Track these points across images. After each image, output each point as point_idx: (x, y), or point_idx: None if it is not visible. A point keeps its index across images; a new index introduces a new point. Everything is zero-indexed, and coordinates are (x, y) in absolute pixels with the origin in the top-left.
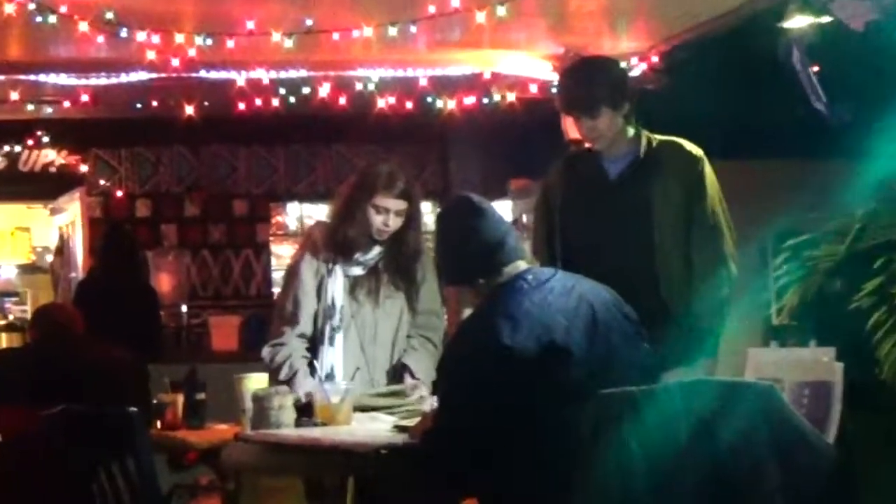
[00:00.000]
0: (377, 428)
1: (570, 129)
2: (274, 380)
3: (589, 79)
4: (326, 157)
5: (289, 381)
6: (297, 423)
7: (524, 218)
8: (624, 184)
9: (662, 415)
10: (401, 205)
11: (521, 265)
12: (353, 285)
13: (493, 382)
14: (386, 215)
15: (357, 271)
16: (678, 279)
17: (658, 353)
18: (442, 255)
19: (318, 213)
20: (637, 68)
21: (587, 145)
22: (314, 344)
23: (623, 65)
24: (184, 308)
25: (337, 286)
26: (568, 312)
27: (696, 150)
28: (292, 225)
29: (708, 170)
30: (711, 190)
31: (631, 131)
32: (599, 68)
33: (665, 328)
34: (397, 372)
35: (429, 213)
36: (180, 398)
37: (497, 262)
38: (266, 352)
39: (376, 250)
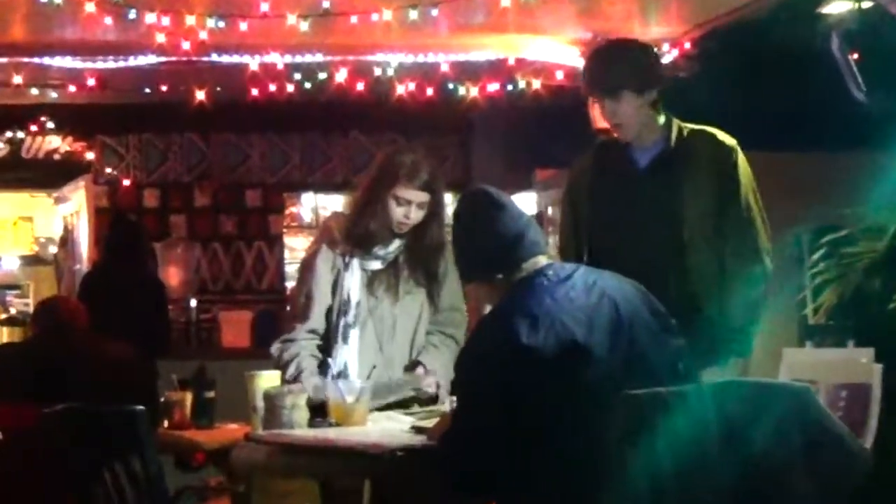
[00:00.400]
0: (394, 428)
1: (599, 117)
2: (283, 377)
3: (612, 60)
4: (343, 145)
5: (294, 381)
6: (311, 423)
7: (549, 210)
8: (653, 175)
9: (693, 417)
10: (423, 196)
11: (542, 260)
12: (371, 280)
13: (512, 383)
14: (408, 207)
15: (375, 265)
16: (709, 275)
17: (689, 352)
18: (458, 250)
19: (333, 204)
20: (668, 55)
21: (616, 135)
22: (328, 341)
23: (654, 50)
24: (193, 302)
25: (354, 281)
26: (590, 310)
27: (730, 140)
28: (307, 216)
29: (742, 160)
30: (745, 181)
31: (661, 120)
32: (625, 50)
33: (695, 326)
34: (411, 367)
35: (450, 205)
36: (189, 396)
37: (516, 257)
38: (275, 348)
39: (396, 243)
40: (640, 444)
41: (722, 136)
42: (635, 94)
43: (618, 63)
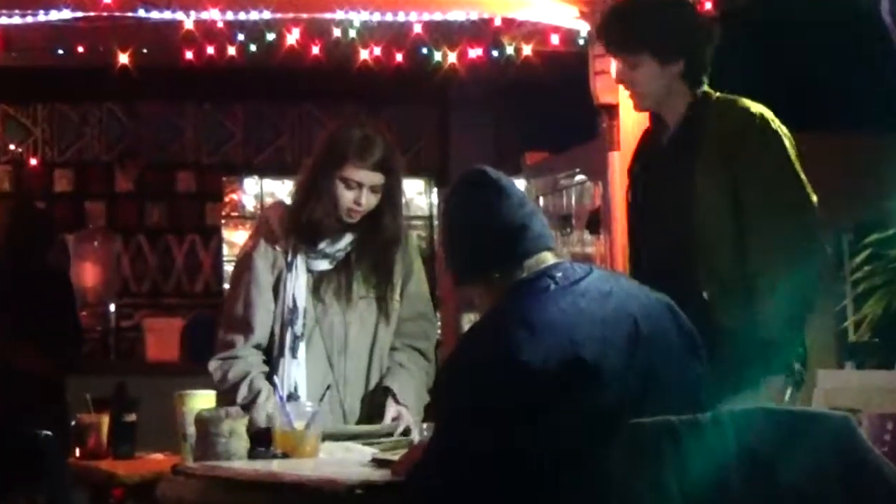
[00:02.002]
0: (352, 461)
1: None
2: (224, 400)
3: (634, 13)
4: (294, 120)
5: (247, 406)
6: (252, 454)
7: (541, 202)
8: (672, 153)
9: (709, 450)
10: (377, 178)
11: (549, 258)
12: (318, 282)
13: (505, 408)
14: (358, 191)
15: (323, 265)
16: (727, 274)
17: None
18: (449, 244)
19: (282, 190)
20: None
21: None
22: (270, 356)
23: (692, 9)
24: (112, 307)
25: (299, 283)
26: (603, 323)
27: (754, 107)
28: (250, 205)
29: (770, 130)
30: (772, 156)
31: (696, 92)
32: (653, 4)
33: (714, 342)
34: (377, 395)
35: (421, 193)
36: (105, 420)
37: (518, 253)
38: (214, 366)
39: (347, 238)
40: (647, 481)
41: (746, 102)
42: (656, 60)
43: (641, 17)
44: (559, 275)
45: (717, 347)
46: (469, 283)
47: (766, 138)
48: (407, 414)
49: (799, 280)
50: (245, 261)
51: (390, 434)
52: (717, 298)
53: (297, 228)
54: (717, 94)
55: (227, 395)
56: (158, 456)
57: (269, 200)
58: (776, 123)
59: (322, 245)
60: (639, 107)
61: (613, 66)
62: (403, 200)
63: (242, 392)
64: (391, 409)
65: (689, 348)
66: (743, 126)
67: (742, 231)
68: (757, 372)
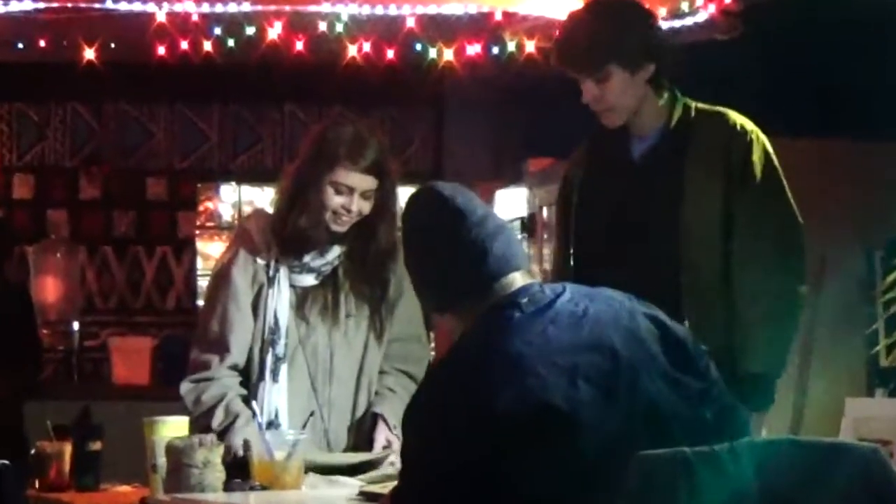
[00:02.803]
0: (336, 496)
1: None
2: (198, 427)
3: (590, 25)
4: (276, 122)
5: (223, 432)
6: (228, 486)
7: (545, 212)
8: (648, 168)
9: (726, 485)
10: (369, 182)
11: (517, 280)
12: (302, 299)
13: (473, 457)
14: (348, 196)
15: (308, 280)
16: (714, 303)
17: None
18: (411, 275)
19: (261, 198)
20: (703, 11)
21: (603, 121)
22: (249, 380)
23: (646, 9)
24: (75, 325)
25: (281, 300)
26: (575, 352)
27: (745, 123)
28: (227, 214)
29: (760, 147)
30: (765, 175)
31: (664, 97)
32: (611, 11)
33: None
34: (364, 423)
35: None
36: (68, 448)
37: (483, 279)
38: (187, 388)
39: (335, 252)
40: None
41: (735, 116)
42: (624, 70)
43: (602, 28)
44: (524, 300)
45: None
46: (438, 313)
47: (760, 154)
48: (398, 442)
49: (790, 307)
50: (222, 274)
51: (379, 464)
52: (702, 323)
53: (281, 240)
54: (695, 103)
55: (201, 421)
56: (125, 488)
57: (247, 209)
58: (761, 135)
59: (307, 258)
60: (613, 123)
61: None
62: (398, 208)
63: (218, 416)
64: (381, 436)
65: (684, 364)
66: (729, 138)
67: (728, 252)
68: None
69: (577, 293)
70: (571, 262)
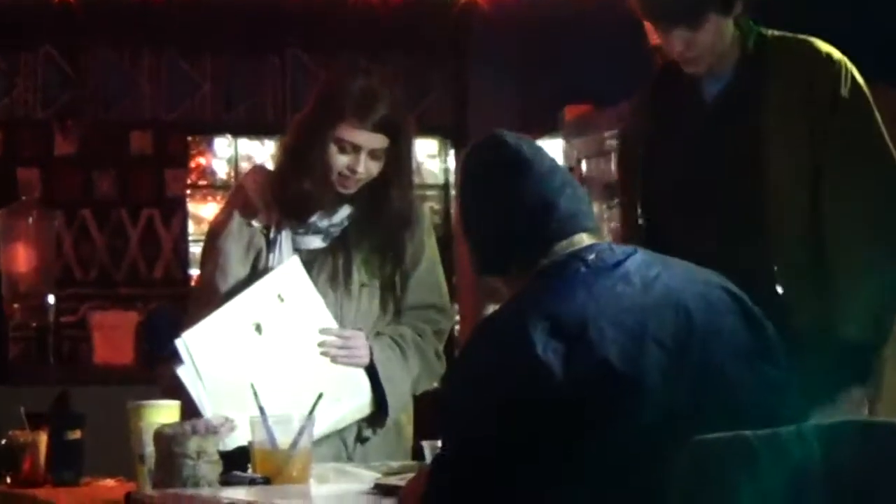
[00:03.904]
0: (348, 490)
1: None
2: (191, 411)
3: None
4: (276, 68)
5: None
6: (225, 479)
7: (584, 166)
8: (724, 112)
9: (791, 471)
10: (378, 141)
11: (583, 239)
12: (309, 264)
13: (524, 418)
14: (355, 156)
15: (314, 242)
16: (805, 260)
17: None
18: (464, 230)
19: (261, 153)
20: None
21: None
22: None
23: None
24: (51, 299)
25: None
26: (644, 314)
27: (833, 52)
28: (221, 171)
29: (853, 82)
30: (858, 111)
31: (733, 31)
32: None
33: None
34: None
35: (434, 156)
36: (44, 438)
37: (542, 239)
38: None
39: (344, 212)
40: None
41: (820, 44)
42: (720, 15)
43: None
44: (591, 258)
45: (793, 348)
46: (489, 275)
47: (854, 90)
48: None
49: (890, 265)
50: (214, 238)
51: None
52: (794, 292)
53: (285, 202)
54: (770, 31)
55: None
56: (109, 482)
57: (245, 166)
58: (851, 66)
59: (314, 218)
60: (699, 70)
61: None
62: (414, 168)
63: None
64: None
65: (762, 349)
66: (814, 69)
67: (818, 204)
68: (837, 381)
69: (650, 257)
70: (642, 231)
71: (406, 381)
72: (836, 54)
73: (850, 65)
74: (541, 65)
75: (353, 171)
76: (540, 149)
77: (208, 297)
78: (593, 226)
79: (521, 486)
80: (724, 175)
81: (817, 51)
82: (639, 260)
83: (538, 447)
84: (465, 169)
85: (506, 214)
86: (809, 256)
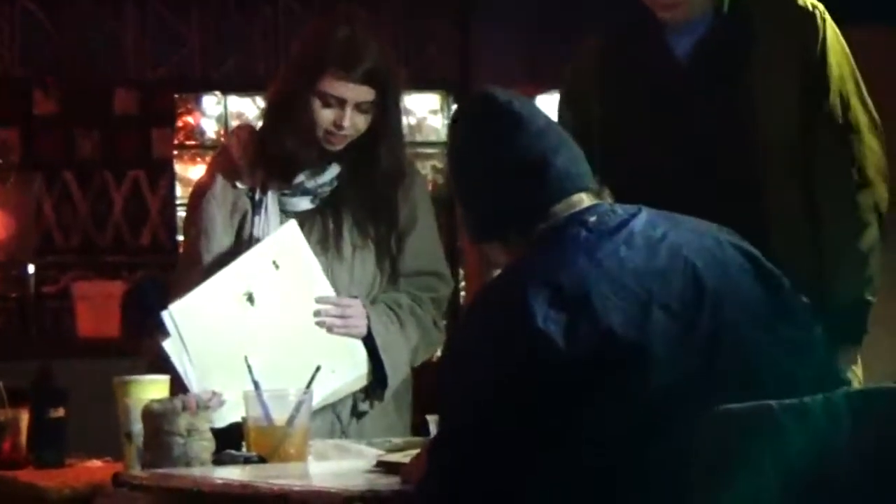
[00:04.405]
0: (350, 468)
1: None
2: (179, 387)
3: None
4: (268, 19)
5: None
6: (218, 458)
7: None
8: (699, 68)
9: (818, 443)
10: (364, 93)
11: (582, 200)
12: (298, 226)
13: (525, 393)
14: (340, 110)
15: (303, 204)
16: (796, 226)
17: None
18: (456, 194)
19: (253, 111)
20: None
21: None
22: None
23: None
24: (30, 268)
25: (270, 229)
26: (651, 278)
27: (810, 1)
28: (210, 130)
29: (831, 32)
30: (839, 66)
31: None
32: None
33: None
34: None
35: (436, 112)
36: (25, 417)
37: (539, 200)
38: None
39: (333, 171)
40: (738, 484)
41: None
42: None
43: None
44: (592, 219)
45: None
46: (484, 242)
47: (833, 40)
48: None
49: (877, 225)
50: (193, 206)
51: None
52: (788, 251)
53: (269, 161)
54: None
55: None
56: (95, 463)
57: (235, 125)
58: (827, 15)
59: (301, 177)
60: (677, 14)
61: None
62: (405, 123)
63: None
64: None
65: (779, 308)
66: (805, 23)
67: (807, 161)
68: (832, 340)
69: (655, 216)
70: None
71: (405, 351)
72: (814, 3)
73: (826, 17)
74: (548, 14)
75: (339, 126)
76: (533, 105)
77: (192, 264)
78: (593, 185)
79: (524, 463)
80: (701, 139)
81: (795, 2)
82: (643, 219)
83: (541, 423)
84: (454, 129)
85: (499, 176)
86: (803, 214)
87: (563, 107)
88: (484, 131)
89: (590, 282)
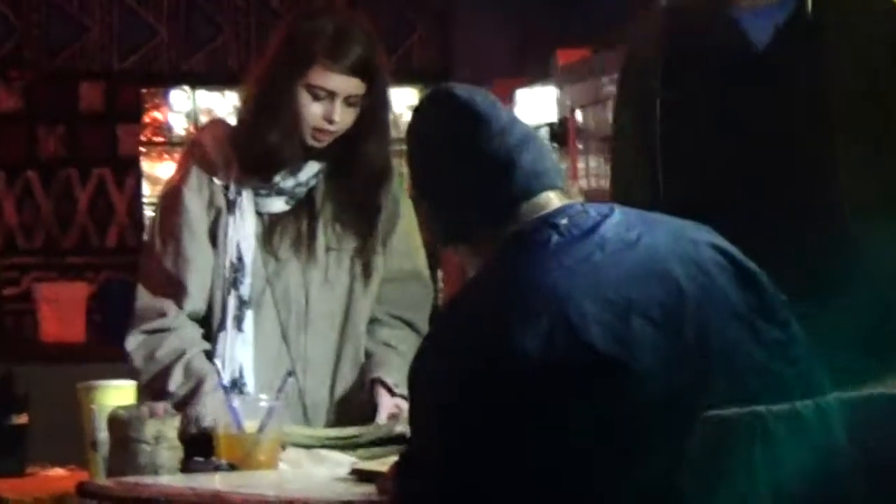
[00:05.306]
0: (322, 476)
1: None
2: (150, 392)
3: None
4: (240, 10)
5: (186, 400)
6: (187, 466)
7: (579, 116)
8: (782, 56)
9: (810, 450)
10: (353, 86)
11: (551, 200)
12: (270, 229)
13: (497, 417)
14: (329, 103)
15: (277, 205)
16: (874, 213)
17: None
18: (419, 197)
19: (223, 106)
20: None
21: None
22: (208, 328)
23: None
24: None
25: (245, 230)
26: (628, 284)
27: None
28: (179, 126)
29: None
30: None
31: None
32: None
33: (859, 306)
34: (357, 390)
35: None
36: None
37: (506, 199)
38: (136, 343)
39: (311, 169)
40: (729, 491)
41: None
42: None
43: None
44: (563, 222)
45: (865, 313)
46: (450, 244)
47: None
48: (406, 406)
49: None
50: (172, 198)
51: (387, 440)
52: (868, 245)
53: (246, 157)
54: None
55: (155, 384)
56: (58, 472)
57: (205, 120)
58: None
59: (277, 178)
60: None
61: None
62: (392, 118)
63: (176, 378)
64: (385, 403)
65: (759, 307)
66: (887, 10)
67: (888, 154)
68: None
69: (629, 216)
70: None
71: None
72: None
73: None
74: (532, 4)
75: (329, 120)
76: (496, 101)
77: (175, 257)
78: (561, 183)
79: (504, 489)
80: (787, 142)
81: None
82: (616, 221)
83: (523, 446)
84: (414, 127)
85: (462, 176)
86: (880, 207)
87: (623, 76)
88: (445, 130)
89: (564, 292)
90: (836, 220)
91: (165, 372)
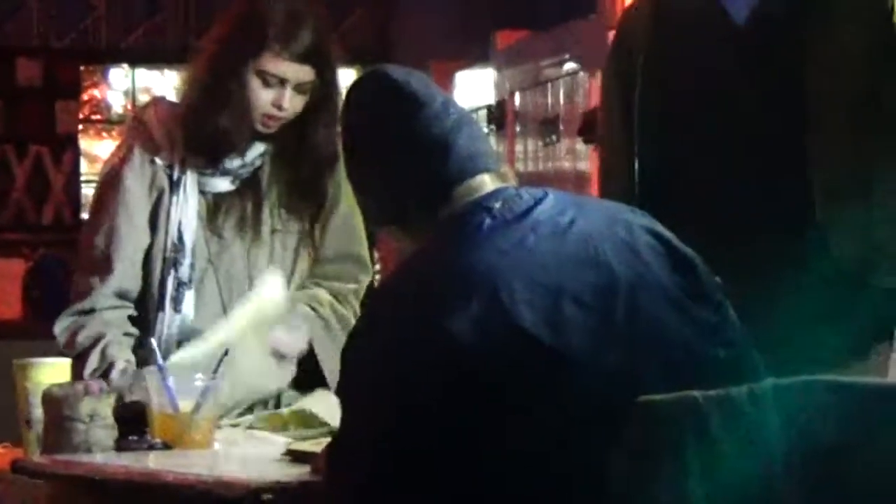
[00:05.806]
0: (258, 454)
1: None
2: (80, 373)
3: None
4: None
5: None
6: (121, 445)
7: (517, 99)
8: (759, 31)
9: (744, 435)
10: (304, 73)
11: (485, 184)
12: (214, 209)
13: (427, 403)
14: (280, 90)
15: (222, 185)
16: (850, 197)
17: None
18: (352, 177)
19: (162, 84)
20: None
21: None
22: (145, 310)
23: None
24: None
25: (187, 209)
26: (560, 269)
27: None
28: (117, 104)
29: None
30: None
31: None
32: None
33: (822, 283)
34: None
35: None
36: None
37: (442, 182)
38: (63, 325)
39: (257, 150)
40: (660, 477)
41: None
42: None
43: None
44: (497, 205)
45: (843, 297)
46: (383, 226)
47: None
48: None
49: None
50: (112, 177)
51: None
52: (837, 229)
53: (195, 140)
54: None
55: (76, 367)
56: None
57: (143, 98)
58: None
59: (226, 160)
60: None
61: None
62: (340, 104)
63: (92, 363)
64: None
65: (693, 292)
66: None
67: (867, 135)
68: (874, 326)
69: (562, 200)
70: (637, 175)
71: (333, 351)
72: None
73: None
74: None
75: (279, 107)
76: (430, 83)
77: (106, 236)
78: (495, 166)
79: (436, 472)
80: (760, 107)
81: None
82: (550, 204)
83: (455, 429)
84: (347, 109)
85: (397, 157)
86: (856, 191)
87: (610, 70)
88: (380, 112)
89: (497, 276)
90: (807, 201)
91: (83, 357)
